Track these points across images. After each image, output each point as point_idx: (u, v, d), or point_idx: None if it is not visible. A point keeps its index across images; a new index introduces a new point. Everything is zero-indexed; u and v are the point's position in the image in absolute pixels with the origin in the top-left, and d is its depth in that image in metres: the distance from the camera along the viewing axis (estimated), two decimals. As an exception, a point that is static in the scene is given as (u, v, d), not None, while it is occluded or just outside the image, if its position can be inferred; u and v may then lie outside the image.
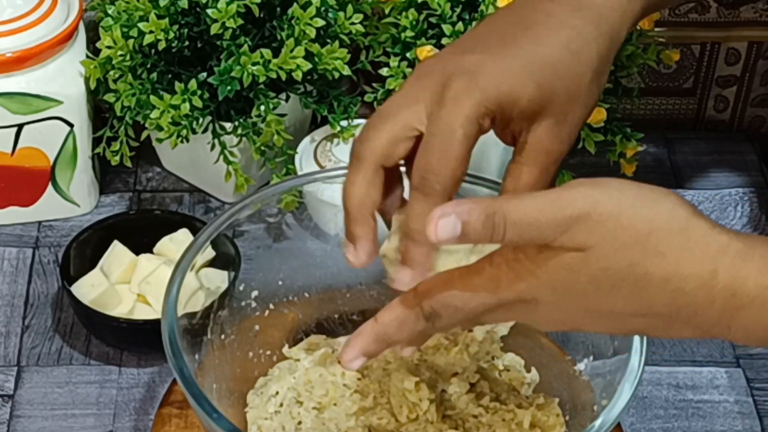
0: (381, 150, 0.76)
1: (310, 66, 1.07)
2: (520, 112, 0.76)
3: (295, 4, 1.08)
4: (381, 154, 0.76)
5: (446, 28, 1.08)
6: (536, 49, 0.76)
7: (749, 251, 0.66)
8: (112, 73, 1.10)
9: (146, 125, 1.09)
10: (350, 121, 1.13)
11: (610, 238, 0.65)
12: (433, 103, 0.74)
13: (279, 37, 1.09)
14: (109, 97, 1.10)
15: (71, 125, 1.12)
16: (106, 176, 1.21)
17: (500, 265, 0.68)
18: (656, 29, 1.14)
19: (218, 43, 1.08)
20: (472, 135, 0.74)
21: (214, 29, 1.06)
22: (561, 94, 0.77)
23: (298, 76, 1.07)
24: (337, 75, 1.09)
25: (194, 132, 1.09)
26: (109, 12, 1.10)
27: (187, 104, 1.07)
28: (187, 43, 1.10)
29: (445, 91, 0.74)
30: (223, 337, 0.93)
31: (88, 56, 1.12)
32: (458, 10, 1.09)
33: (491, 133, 1.07)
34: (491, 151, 1.15)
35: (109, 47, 1.08)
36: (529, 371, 0.96)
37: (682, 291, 0.66)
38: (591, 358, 0.90)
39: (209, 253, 0.99)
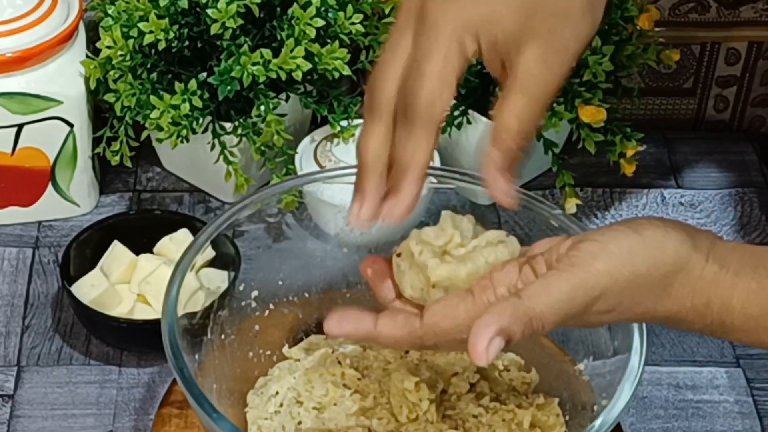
0: (393, 100, 0.74)
1: (310, 66, 1.07)
2: (505, 34, 0.74)
3: (295, 4, 1.08)
4: (391, 104, 0.75)
5: (446, 28, 1.08)
6: None
7: (737, 280, 0.71)
8: (112, 73, 1.10)
9: (146, 125, 1.09)
10: (350, 121, 1.13)
11: (630, 298, 0.71)
12: (416, 35, 0.74)
13: (279, 37, 1.09)
14: (109, 97, 1.10)
15: (71, 125, 1.12)
16: (106, 176, 1.21)
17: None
18: (656, 29, 1.14)
19: (218, 43, 1.08)
20: (453, 56, 0.73)
21: (214, 29, 1.06)
22: (548, 15, 0.74)
23: (298, 76, 1.07)
24: (337, 75, 1.09)
25: (194, 132, 1.09)
26: (109, 12, 1.10)
27: (187, 104, 1.07)
28: (187, 43, 1.10)
29: (424, 17, 0.73)
30: (223, 337, 0.93)
31: (88, 56, 1.12)
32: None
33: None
34: (491, 151, 1.15)
35: (109, 47, 1.08)
36: (529, 371, 0.96)
37: (682, 321, 0.73)
38: (591, 358, 0.90)
39: (209, 253, 0.99)
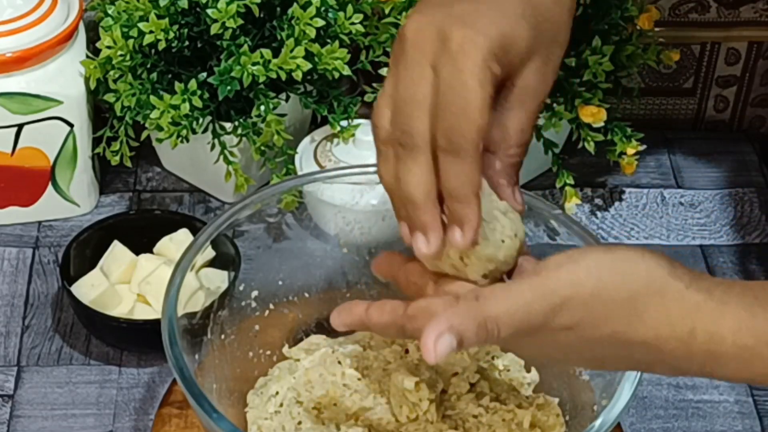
0: (429, 134, 0.73)
1: (310, 66, 1.07)
2: (515, 55, 0.74)
3: (295, 4, 1.08)
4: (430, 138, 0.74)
5: (446, 28, 1.08)
6: None
7: (724, 308, 0.68)
8: (112, 73, 1.10)
9: (146, 125, 1.09)
10: (350, 121, 1.13)
11: (593, 314, 0.68)
12: (439, 60, 0.72)
13: (279, 37, 1.09)
14: (109, 97, 1.10)
15: (71, 125, 1.12)
16: (106, 176, 1.21)
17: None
18: (656, 29, 1.14)
19: (218, 43, 1.08)
20: (487, 82, 0.72)
21: (214, 29, 1.06)
22: (547, 35, 0.76)
23: (298, 76, 1.07)
24: (337, 75, 1.09)
25: (194, 132, 1.09)
26: (109, 12, 1.10)
27: (187, 104, 1.07)
28: (187, 43, 1.10)
29: (447, 44, 0.72)
30: (223, 337, 0.93)
31: (88, 56, 1.12)
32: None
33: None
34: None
35: (109, 47, 1.08)
36: (529, 371, 0.96)
37: (661, 350, 0.69)
38: (591, 358, 0.90)
39: (209, 253, 0.99)
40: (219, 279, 1.00)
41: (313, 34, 1.07)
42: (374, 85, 1.12)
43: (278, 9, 1.10)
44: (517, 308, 0.68)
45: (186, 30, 1.09)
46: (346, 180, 0.98)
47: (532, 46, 0.75)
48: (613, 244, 0.70)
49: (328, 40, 1.10)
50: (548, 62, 0.77)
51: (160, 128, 1.08)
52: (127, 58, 1.08)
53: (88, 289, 1.04)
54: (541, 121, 1.11)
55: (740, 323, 0.67)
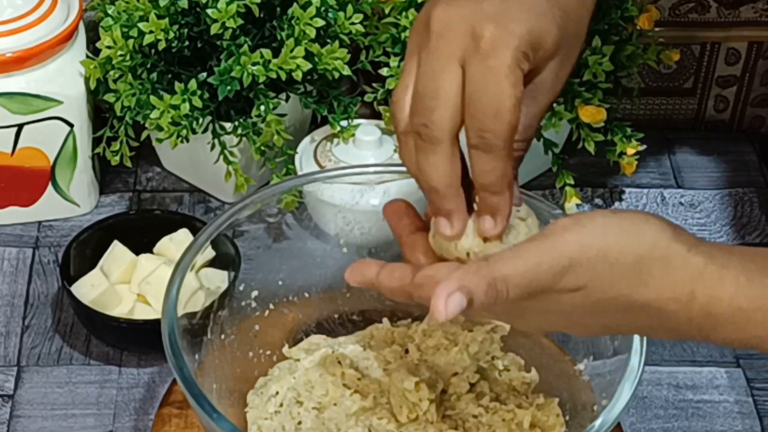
0: (451, 126, 0.74)
1: (310, 66, 1.07)
2: (542, 54, 0.75)
3: (295, 4, 1.08)
4: (453, 130, 0.74)
5: (446, 28, 1.08)
6: None
7: (724, 272, 0.69)
8: (112, 73, 1.10)
9: (146, 125, 1.09)
10: (350, 121, 1.13)
11: (600, 276, 0.69)
12: (469, 58, 0.72)
13: (279, 37, 1.09)
14: (109, 97, 1.10)
15: (71, 125, 1.12)
16: (106, 176, 1.21)
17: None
18: (656, 29, 1.14)
19: (218, 43, 1.08)
20: (518, 81, 0.72)
21: (214, 29, 1.06)
22: (570, 36, 0.77)
23: (298, 76, 1.07)
24: (337, 75, 1.09)
25: (194, 132, 1.09)
26: (109, 12, 1.10)
27: (187, 104, 1.07)
28: (187, 43, 1.10)
29: (479, 42, 0.72)
30: (223, 337, 0.93)
31: (88, 56, 1.12)
32: (458, 10, 1.09)
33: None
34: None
35: (109, 47, 1.08)
36: (529, 371, 0.96)
37: (663, 311, 0.70)
38: (591, 358, 0.90)
39: (209, 253, 0.99)
40: (219, 279, 1.00)
41: (313, 34, 1.07)
42: (374, 85, 1.12)
43: (278, 9, 1.10)
44: (526, 269, 0.68)
45: (186, 30, 1.09)
46: (346, 180, 0.98)
47: (558, 44, 0.75)
48: (618, 209, 0.71)
49: (328, 40, 1.10)
50: (567, 60, 0.77)
51: (160, 128, 1.08)
52: (127, 58, 1.08)
53: (88, 289, 1.04)
54: (541, 121, 1.11)
55: (738, 288, 0.69)
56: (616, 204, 1.21)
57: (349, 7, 1.10)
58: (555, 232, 0.69)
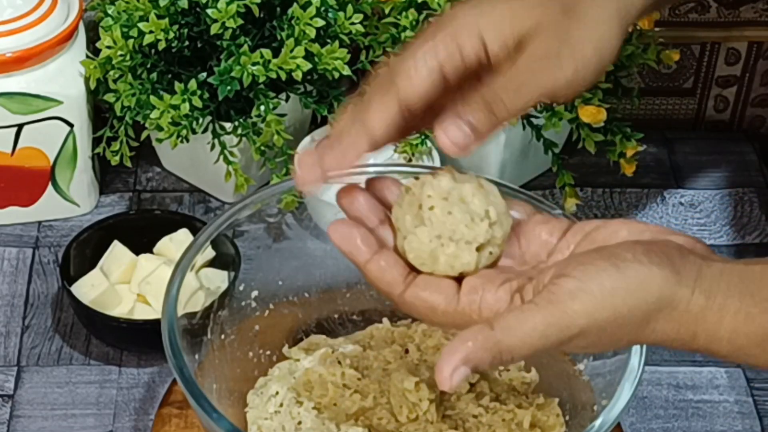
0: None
1: (310, 66, 1.07)
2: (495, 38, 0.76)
3: (295, 4, 1.08)
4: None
5: (446, 28, 1.08)
6: None
7: (723, 313, 0.70)
8: (112, 73, 1.10)
9: (146, 125, 1.09)
10: (350, 121, 1.13)
11: (609, 336, 0.70)
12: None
13: (279, 37, 1.09)
14: (109, 97, 1.10)
15: (71, 125, 1.12)
16: (106, 176, 1.21)
17: None
18: (656, 29, 1.14)
19: (218, 43, 1.08)
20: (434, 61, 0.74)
21: (214, 29, 1.06)
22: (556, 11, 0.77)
23: (298, 76, 1.07)
24: (337, 75, 1.09)
25: (194, 132, 1.09)
26: (109, 12, 1.10)
27: (187, 104, 1.07)
28: (187, 43, 1.10)
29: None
30: (223, 337, 0.93)
31: (88, 56, 1.12)
32: (458, 10, 1.09)
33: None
34: (491, 151, 1.15)
35: (109, 47, 1.08)
36: (529, 371, 0.96)
37: (665, 344, 0.72)
38: (591, 358, 0.90)
39: (209, 253, 0.99)
40: (219, 279, 1.00)
41: (313, 34, 1.07)
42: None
43: (278, 9, 1.10)
44: (532, 340, 0.68)
45: (186, 30, 1.09)
46: (346, 180, 0.98)
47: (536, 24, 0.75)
48: (618, 252, 0.70)
49: (328, 40, 1.10)
50: (558, 40, 0.75)
51: (160, 128, 1.08)
52: (127, 58, 1.08)
53: (88, 289, 1.04)
54: (541, 121, 1.11)
55: (736, 327, 0.70)
56: (616, 204, 1.21)
57: (349, 7, 1.10)
58: (562, 301, 0.69)
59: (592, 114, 1.10)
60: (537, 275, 0.72)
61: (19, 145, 1.12)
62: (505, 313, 0.70)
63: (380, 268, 0.74)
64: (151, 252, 1.07)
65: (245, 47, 1.07)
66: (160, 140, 1.09)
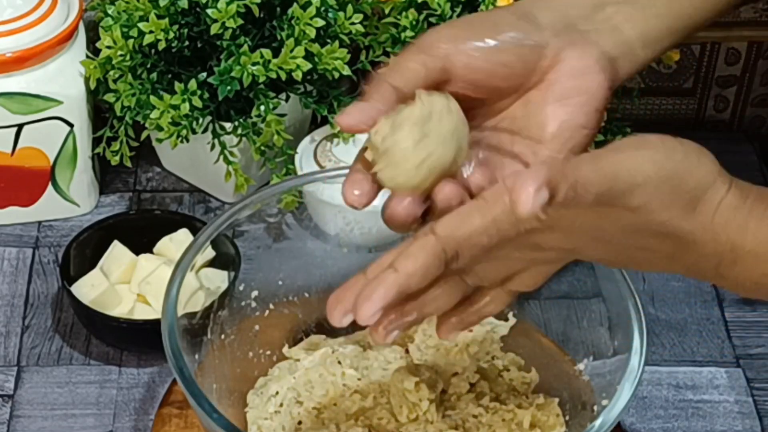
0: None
1: (310, 66, 1.07)
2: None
3: (295, 4, 1.08)
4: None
5: (446, 28, 1.08)
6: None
7: (753, 207, 0.71)
8: (112, 73, 1.10)
9: (146, 125, 1.09)
10: (350, 121, 1.13)
11: (662, 197, 0.69)
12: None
13: (279, 37, 1.09)
14: (109, 97, 1.10)
15: (71, 125, 1.12)
16: (106, 176, 1.21)
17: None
18: (656, 29, 1.14)
19: (218, 43, 1.08)
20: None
21: (214, 29, 1.06)
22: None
23: (298, 76, 1.07)
24: (337, 75, 1.09)
25: (194, 132, 1.09)
26: (109, 12, 1.10)
27: (187, 104, 1.07)
28: (187, 43, 1.10)
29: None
30: (223, 337, 0.93)
31: (88, 56, 1.12)
32: (458, 9, 1.09)
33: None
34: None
35: (109, 47, 1.08)
36: (529, 371, 0.96)
37: (697, 242, 0.71)
38: (591, 358, 0.90)
39: (209, 253, 0.99)
40: (219, 279, 1.00)
41: (313, 34, 1.07)
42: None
43: (278, 9, 1.10)
44: (605, 178, 0.67)
45: (186, 30, 1.09)
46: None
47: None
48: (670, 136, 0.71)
49: (328, 40, 1.10)
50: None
51: (160, 128, 1.08)
52: (127, 58, 1.08)
53: (88, 289, 1.04)
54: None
55: (764, 219, 0.71)
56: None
57: (349, 7, 1.10)
58: (629, 147, 0.69)
59: (592, 114, 1.09)
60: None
61: (19, 145, 1.12)
62: (580, 156, 0.69)
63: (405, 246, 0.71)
64: (151, 252, 1.07)
65: (245, 47, 1.07)
66: (160, 140, 1.09)
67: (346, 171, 0.97)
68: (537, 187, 0.64)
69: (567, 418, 0.92)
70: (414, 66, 0.74)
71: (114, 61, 1.09)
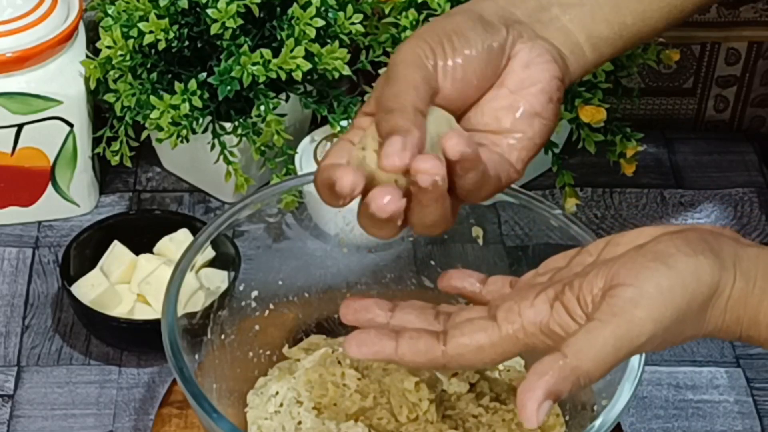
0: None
1: (310, 66, 1.07)
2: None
3: (295, 4, 1.08)
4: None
5: (446, 28, 1.08)
6: None
7: (762, 298, 0.71)
8: (112, 73, 1.10)
9: (146, 125, 1.09)
10: (350, 121, 1.13)
11: (673, 335, 0.70)
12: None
13: (279, 37, 1.09)
14: (109, 97, 1.10)
15: (71, 125, 1.12)
16: (106, 176, 1.21)
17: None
18: (656, 29, 1.14)
19: (218, 43, 1.08)
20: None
21: (214, 29, 1.06)
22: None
23: (298, 76, 1.07)
24: (337, 75, 1.09)
25: (194, 132, 1.09)
26: (109, 12, 1.10)
27: (187, 104, 1.07)
28: (187, 43, 1.10)
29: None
30: (223, 337, 0.93)
31: (88, 56, 1.12)
32: (458, 10, 1.09)
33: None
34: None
35: (109, 47, 1.08)
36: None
37: (714, 334, 0.72)
38: (591, 358, 0.90)
39: (209, 253, 0.99)
40: (219, 279, 1.00)
41: (313, 34, 1.07)
42: (374, 85, 1.11)
43: (278, 9, 1.10)
44: (606, 357, 0.68)
45: (186, 30, 1.09)
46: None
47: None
48: (662, 248, 0.69)
49: (328, 40, 1.10)
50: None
51: (160, 128, 1.08)
52: (127, 58, 1.08)
53: (88, 289, 1.04)
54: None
55: None
56: (616, 204, 1.21)
57: (349, 7, 1.10)
58: (625, 311, 0.68)
59: (592, 114, 1.10)
60: (574, 280, 0.71)
61: (19, 145, 1.12)
62: (572, 337, 0.69)
63: (410, 344, 0.73)
64: (151, 252, 1.07)
65: (245, 47, 1.07)
66: (160, 140, 1.09)
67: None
68: (538, 405, 0.67)
69: (567, 418, 0.92)
70: (420, 85, 0.75)
71: (114, 61, 1.09)
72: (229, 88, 1.06)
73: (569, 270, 0.75)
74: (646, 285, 0.69)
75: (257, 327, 0.97)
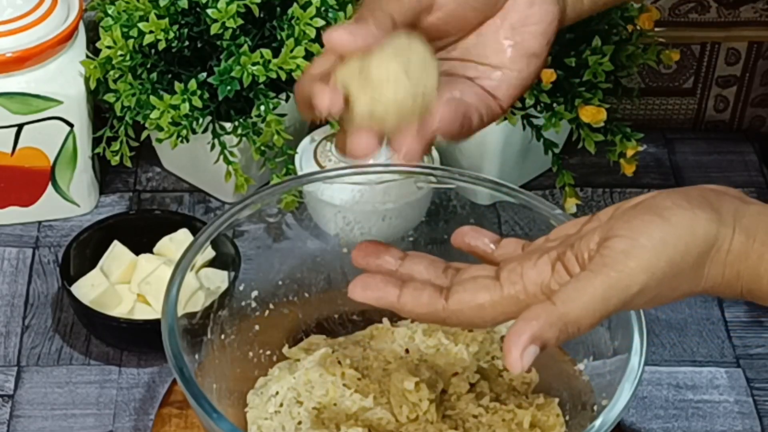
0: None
1: (310, 66, 1.07)
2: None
3: (295, 4, 1.08)
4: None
5: (446, 28, 1.08)
6: None
7: (763, 251, 0.70)
8: (112, 73, 1.10)
9: (146, 125, 1.09)
10: (350, 121, 1.13)
11: (667, 287, 0.70)
12: None
13: (279, 37, 1.09)
14: (109, 97, 1.10)
15: (71, 125, 1.12)
16: (106, 176, 1.21)
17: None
18: (656, 29, 1.14)
19: (218, 43, 1.08)
20: None
21: (214, 29, 1.06)
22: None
23: (298, 76, 1.07)
24: (337, 75, 1.09)
25: (194, 132, 1.09)
26: (109, 12, 1.10)
27: (187, 104, 1.07)
28: (187, 43, 1.10)
29: None
30: (223, 337, 0.93)
31: (88, 56, 1.12)
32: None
33: (491, 132, 1.07)
34: (491, 151, 1.15)
35: (109, 47, 1.08)
36: (529, 371, 0.96)
37: (714, 293, 0.72)
38: (591, 358, 0.90)
39: (209, 253, 0.99)
40: (219, 279, 1.00)
41: (313, 34, 1.07)
42: None
43: (278, 9, 1.10)
44: (595, 306, 0.68)
45: (186, 30, 1.09)
46: (346, 180, 0.98)
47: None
48: (659, 202, 0.69)
49: (328, 40, 1.10)
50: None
51: (160, 128, 1.08)
52: (127, 58, 1.08)
53: (88, 289, 1.04)
54: (541, 122, 1.11)
55: None
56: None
57: (349, 7, 1.10)
58: (617, 261, 0.68)
59: (592, 114, 1.10)
60: (576, 242, 0.71)
61: (19, 145, 1.12)
62: (563, 287, 0.69)
63: (414, 294, 0.73)
64: (151, 252, 1.07)
65: (245, 47, 1.07)
66: (160, 140, 1.09)
67: (346, 171, 0.97)
68: (523, 349, 0.67)
69: (567, 418, 0.92)
70: None
71: (114, 61, 1.09)
72: (229, 88, 1.06)
73: (578, 236, 0.75)
74: (640, 236, 0.69)
75: (257, 327, 0.97)
